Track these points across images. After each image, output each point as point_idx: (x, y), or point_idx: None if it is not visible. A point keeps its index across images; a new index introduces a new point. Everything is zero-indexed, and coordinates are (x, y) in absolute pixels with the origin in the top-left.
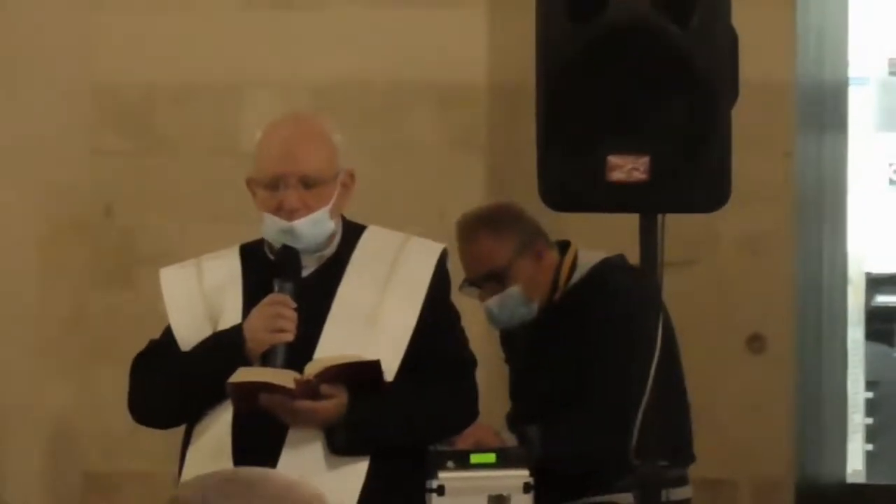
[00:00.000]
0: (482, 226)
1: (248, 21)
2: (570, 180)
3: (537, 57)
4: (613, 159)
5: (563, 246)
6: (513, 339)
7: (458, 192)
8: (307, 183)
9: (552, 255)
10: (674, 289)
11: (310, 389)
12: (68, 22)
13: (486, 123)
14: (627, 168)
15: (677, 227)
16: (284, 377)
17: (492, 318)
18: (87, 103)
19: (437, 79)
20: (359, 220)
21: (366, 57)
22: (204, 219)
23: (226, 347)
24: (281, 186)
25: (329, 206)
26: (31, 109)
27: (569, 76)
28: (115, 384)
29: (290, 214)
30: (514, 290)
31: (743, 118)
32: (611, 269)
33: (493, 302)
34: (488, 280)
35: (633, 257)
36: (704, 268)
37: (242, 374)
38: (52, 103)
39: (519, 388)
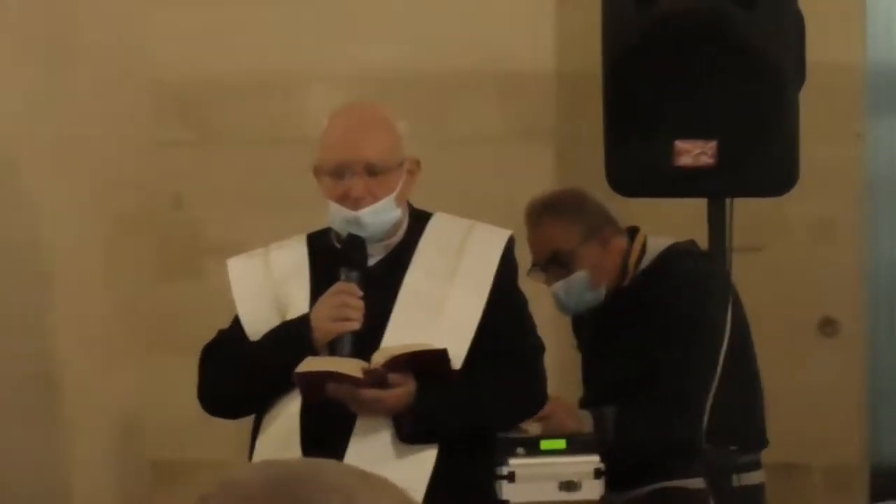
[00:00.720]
0: (547, 210)
1: (308, 10)
2: (638, 166)
3: (603, 42)
4: (681, 144)
5: (632, 232)
6: (583, 326)
7: (526, 181)
8: (372, 170)
9: (620, 241)
10: (744, 274)
11: (377, 378)
12: (130, 13)
13: (553, 111)
14: (695, 153)
15: (747, 212)
16: (352, 366)
17: (559, 302)
18: (150, 95)
19: (504, 66)
20: (430, 207)
21: (430, 45)
22: (269, 208)
23: (293, 337)
24: (346, 174)
25: (394, 194)
26: (94, 101)
27: (634, 61)
28: (183, 374)
29: (356, 203)
30: (580, 275)
31: (812, 101)
32: (678, 254)
33: (559, 286)
34: (553, 264)
35: (702, 243)
36: (775, 252)
37: (310, 364)
38: (115, 95)
39: (589, 374)
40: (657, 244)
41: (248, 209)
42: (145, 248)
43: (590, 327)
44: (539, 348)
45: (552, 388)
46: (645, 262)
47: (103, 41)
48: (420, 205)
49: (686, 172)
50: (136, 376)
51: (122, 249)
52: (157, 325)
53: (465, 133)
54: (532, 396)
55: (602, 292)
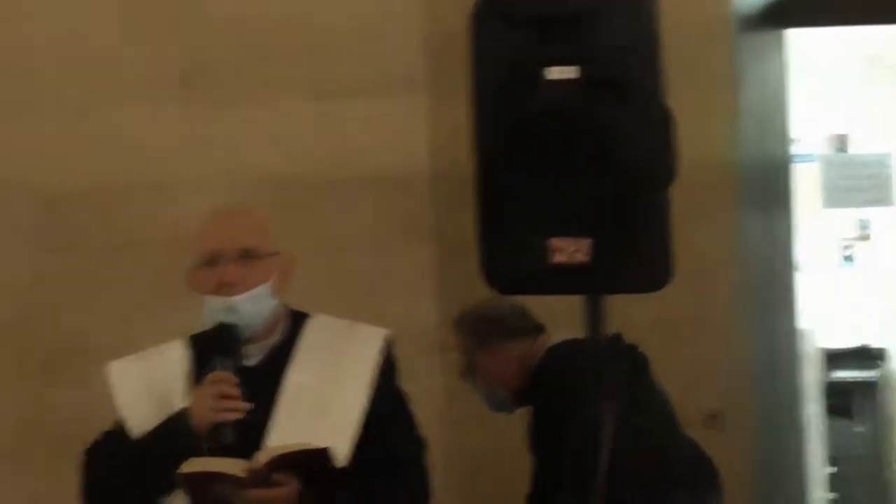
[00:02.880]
0: (455, 323)
1: (188, 116)
2: (514, 264)
3: (473, 143)
4: (555, 242)
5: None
6: None
7: (407, 282)
8: (246, 255)
9: (515, 348)
10: None
11: (260, 478)
12: None
13: (431, 211)
14: (569, 250)
15: (627, 308)
16: (235, 466)
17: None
18: (26, 203)
19: (380, 169)
20: (305, 307)
21: (307, 149)
22: (146, 312)
23: (173, 432)
24: (220, 262)
25: (269, 283)
26: None
27: (505, 160)
28: (70, 483)
29: (230, 289)
30: (481, 384)
31: (687, 197)
32: (546, 355)
33: (478, 392)
34: (466, 373)
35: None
36: (657, 347)
37: (192, 465)
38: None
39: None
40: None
41: (125, 314)
42: (25, 357)
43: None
44: (421, 444)
45: (435, 483)
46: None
47: None
48: (300, 308)
49: (561, 270)
50: (25, 487)
51: (7, 356)
52: (43, 435)
53: (344, 236)
54: (416, 492)
55: (501, 395)
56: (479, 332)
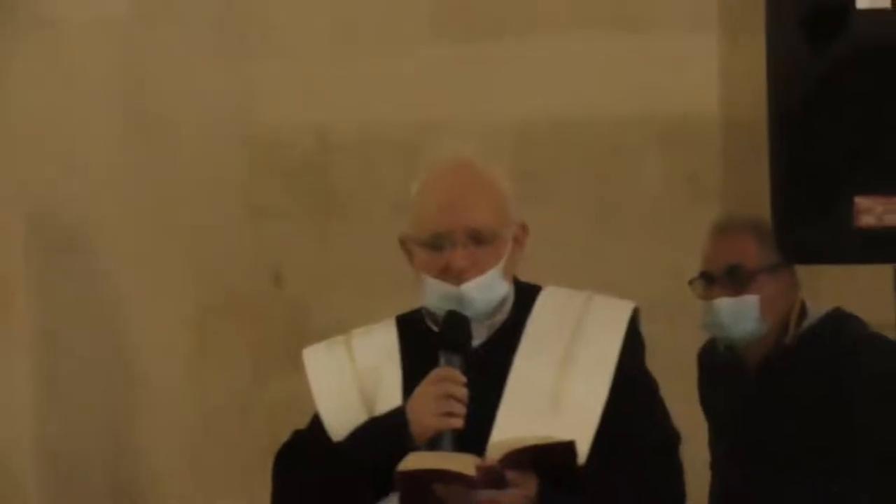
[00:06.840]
0: (750, 227)
1: (438, 54)
2: (812, 228)
3: (769, 87)
4: (862, 201)
5: None
6: (719, 392)
7: (691, 245)
8: (477, 238)
9: (796, 292)
10: None
11: (493, 477)
12: (228, 69)
13: (720, 164)
14: (879, 211)
15: None
16: (463, 463)
17: (714, 318)
18: (248, 158)
19: (664, 114)
20: (578, 280)
21: (580, 90)
22: (386, 286)
23: (386, 434)
24: (446, 245)
25: (501, 265)
26: (186, 166)
27: (807, 108)
28: None
29: (459, 277)
30: (752, 298)
31: None
32: (849, 318)
33: (726, 301)
34: (730, 275)
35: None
36: None
37: (414, 461)
38: (209, 159)
39: (736, 429)
40: (815, 307)
41: (361, 287)
42: (243, 334)
43: (739, 388)
44: (674, 438)
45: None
46: (806, 323)
47: (199, 99)
48: (570, 272)
49: (869, 234)
50: (235, 481)
51: (214, 336)
52: (258, 422)
53: (620, 190)
54: (669, 491)
55: (762, 329)
56: (774, 251)
